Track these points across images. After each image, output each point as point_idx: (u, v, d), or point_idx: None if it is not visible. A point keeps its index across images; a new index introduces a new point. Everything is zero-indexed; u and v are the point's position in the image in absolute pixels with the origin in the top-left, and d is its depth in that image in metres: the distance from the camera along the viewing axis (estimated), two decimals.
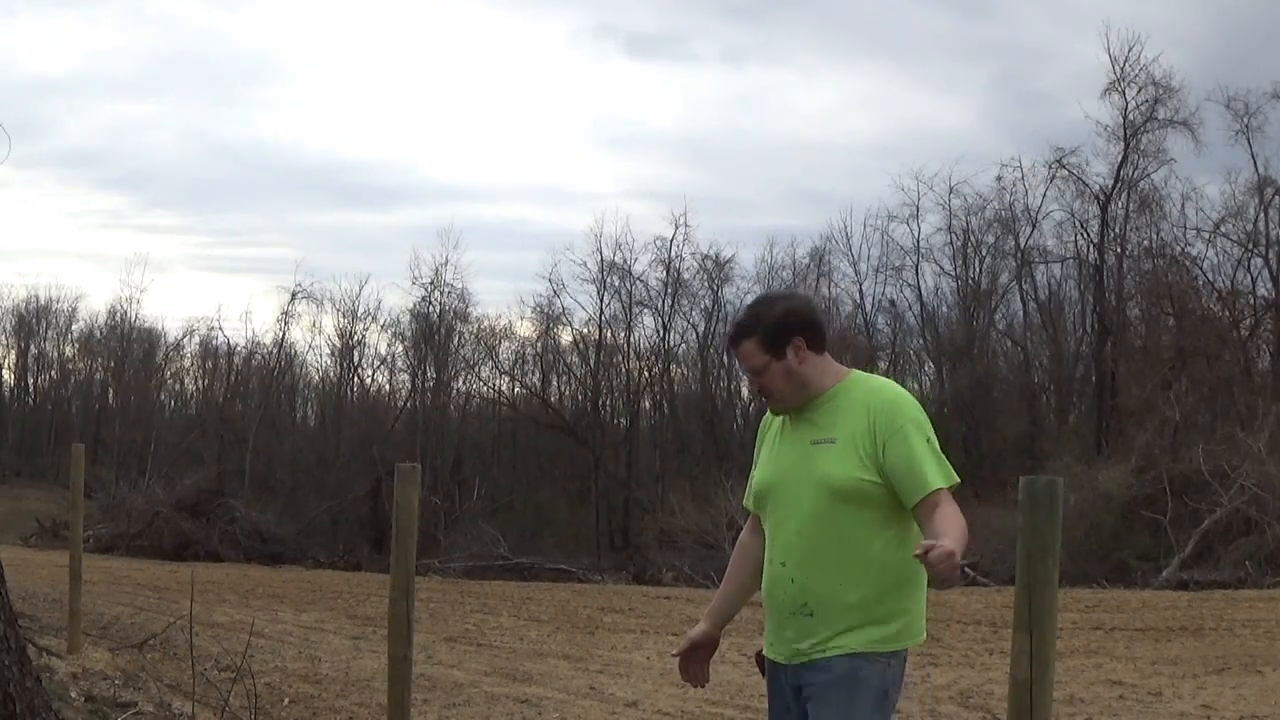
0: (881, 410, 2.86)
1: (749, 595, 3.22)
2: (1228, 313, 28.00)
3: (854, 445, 2.84)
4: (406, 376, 40.04)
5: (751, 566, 3.12)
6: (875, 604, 2.81)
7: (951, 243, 34.08)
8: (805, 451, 2.91)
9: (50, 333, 49.36)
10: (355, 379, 41.54)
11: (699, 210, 74.70)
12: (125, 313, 44.96)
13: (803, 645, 2.90)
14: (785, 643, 2.97)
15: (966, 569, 19.10)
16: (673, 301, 36.78)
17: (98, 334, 47.99)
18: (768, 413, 3.09)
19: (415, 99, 64.77)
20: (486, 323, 39.43)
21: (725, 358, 38.01)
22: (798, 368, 2.91)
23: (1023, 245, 32.09)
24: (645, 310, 37.12)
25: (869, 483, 2.80)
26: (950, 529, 2.68)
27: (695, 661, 3.28)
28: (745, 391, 39.35)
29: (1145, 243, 29.73)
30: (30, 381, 50.51)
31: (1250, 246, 28.36)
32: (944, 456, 2.88)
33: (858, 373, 3.00)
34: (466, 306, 38.54)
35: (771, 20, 59.43)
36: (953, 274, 34.29)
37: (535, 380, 39.71)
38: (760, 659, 3.13)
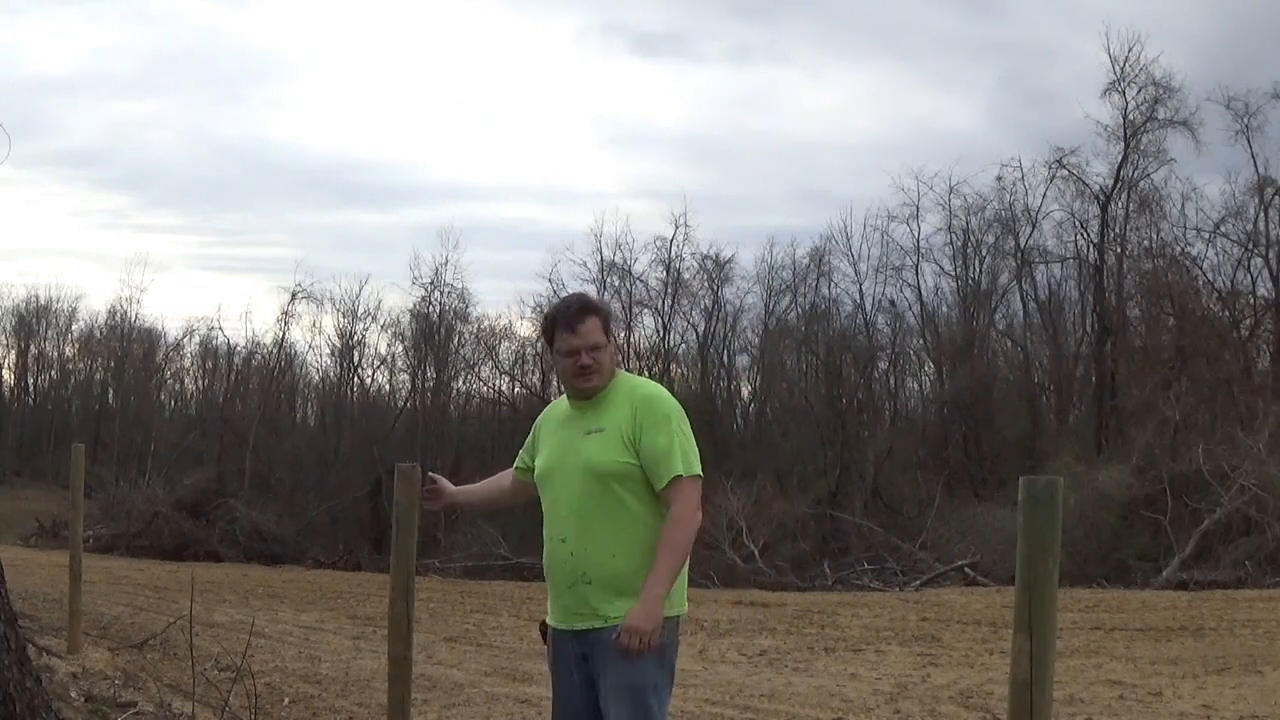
0: (642, 403, 3.26)
1: (480, 503, 4.02)
2: (1228, 313, 27.98)
3: (618, 434, 3.23)
4: (406, 376, 40.04)
5: (495, 493, 3.86)
6: (647, 572, 3.15)
7: (951, 243, 34.04)
8: (579, 440, 3.29)
9: (50, 333, 49.44)
10: (355, 379, 41.52)
11: (700, 210, 74.98)
12: (125, 313, 44.99)
13: (583, 612, 3.22)
14: (566, 611, 3.26)
15: (967, 569, 19.11)
16: (673, 301, 36.74)
17: (98, 334, 48.05)
18: (549, 407, 3.57)
19: (418, 98, 64.88)
20: (486, 323, 39.43)
21: (725, 357, 38.08)
22: (613, 356, 3.36)
23: (1023, 245, 32.06)
24: (645, 310, 37.12)
25: (630, 465, 3.21)
26: (662, 550, 3.14)
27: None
28: (745, 391, 39.42)
29: (1145, 243, 29.71)
30: (30, 381, 50.56)
31: (1250, 246, 28.34)
32: (694, 447, 3.31)
33: (624, 373, 3.41)
34: (466, 306, 38.54)
35: (779, 19, 59.46)
36: (953, 274, 34.26)
37: (535, 380, 39.68)
38: (544, 628, 3.39)
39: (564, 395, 3.50)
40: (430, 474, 3.80)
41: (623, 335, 37.51)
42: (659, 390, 3.36)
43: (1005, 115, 52.34)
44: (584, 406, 3.35)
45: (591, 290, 36.88)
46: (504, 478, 3.80)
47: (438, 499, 3.80)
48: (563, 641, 3.30)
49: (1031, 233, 31.96)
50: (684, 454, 3.26)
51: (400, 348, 40.27)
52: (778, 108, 58.68)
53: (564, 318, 3.32)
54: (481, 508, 3.71)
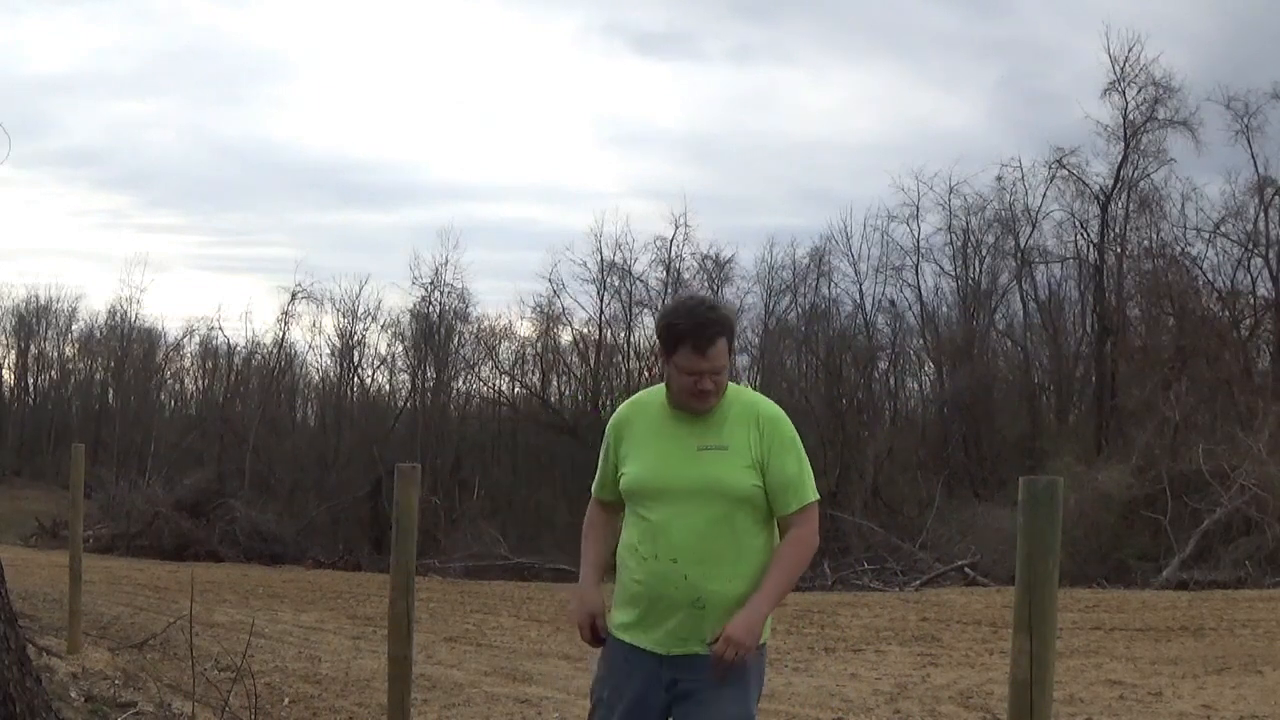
0: (768, 425, 3.09)
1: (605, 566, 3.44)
2: (1228, 313, 27.98)
3: (742, 455, 3.05)
4: (406, 376, 40.05)
5: (608, 543, 3.39)
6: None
7: (951, 243, 34.03)
8: (693, 455, 3.07)
9: (50, 333, 49.46)
10: (355, 379, 41.53)
11: (701, 210, 74.91)
12: (125, 312, 45.00)
13: (688, 637, 3.04)
14: (668, 634, 3.05)
15: (967, 569, 19.13)
16: None
17: (98, 334, 48.07)
18: (615, 417, 3.26)
19: (418, 98, 64.86)
20: (486, 323, 39.44)
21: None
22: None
23: (1023, 245, 32.06)
24: (645, 310, 37.11)
25: (758, 488, 3.04)
26: (779, 570, 3.04)
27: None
28: None
29: (1145, 243, 29.71)
30: (30, 381, 50.57)
31: (1250, 246, 28.34)
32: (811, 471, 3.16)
33: (734, 385, 3.17)
34: (466, 306, 38.55)
35: (780, 19, 59.49)
36: (953, 274, 34.26)
37: (535, 380, 39.70)
38: (600, 639, 3.21)
39: (646, 395, 3.28)
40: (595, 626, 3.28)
41: (623, 335, 37.58)
42: (779, 410, 3.18)
43: (1006, 115, 52.37)
44: (686, 417, 3.12)
45: (591, 290, 36.92)
46: (603, 529, 3.42)
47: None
48: (645, 663, 3.09)
49: (1031, 233, 31.99)
50: (811, 479, 3.14)
51: (400, 348, 40.32)
52: (778, 107, 58.74)
53: (696, 337, 3.02)
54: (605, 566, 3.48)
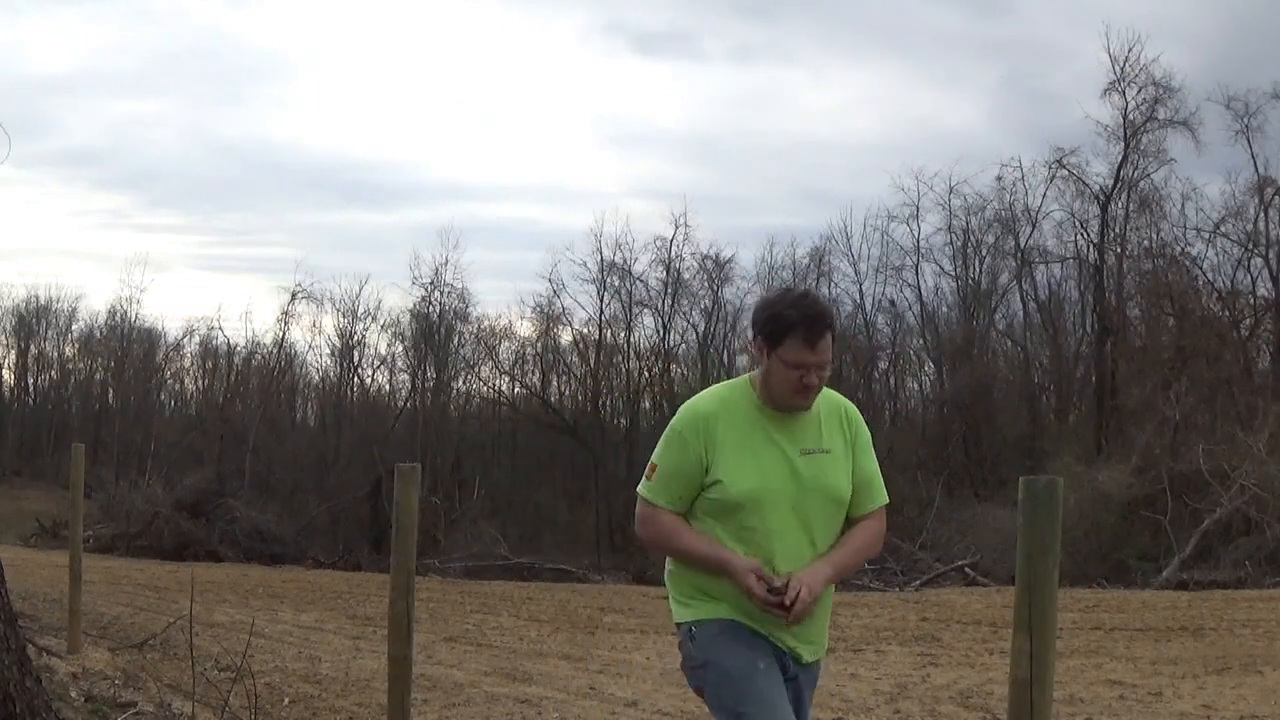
0: (854, 422, 3.03)
1: None
2: (1228, 313, 27.99)
3: (842, 456, 2.98)
4: (406, 376, 40.10)
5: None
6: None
7: (951, 243, 34.05)
8: (795, 459, 2.92)
9: (50, 333, 49.48)
10: (355, 379, 41.58)
11: (701, 209, 74.89)
12: (125, 313, 45.04)
13: (806, 644, 2.98)
14: (785, 644, 2.96)
15: (967, 569, 19.13)
16: (673, 301, 36.80)
17: (98, 334, 48.10)
18: (696, 412, 2.98)
19: (419, 98, 64.89)
20: (486, 323, 39.49)
21: (725, 357, 38.05)
22: None
23: (1023, 245, 32.09)
24: (645, 310, 37.14)
25: (850, 490, 3.00)
26: (852, 549, 2.98)
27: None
28: None
29: (1145, 243, 29.73)
30: (30, 381, 50.58)
31: (1250, 246, 28.35)
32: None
33: None
34: (466, 306, 38.59)
35: (781, 18, 59.51)
36: (953, 274, 34.30)
37: (535, 380, 39.72)
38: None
39: (726, 391, 3.06)
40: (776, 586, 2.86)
41: (623, 335, 37.59)
42: (854, 406, 3.10)
43: (1007, 115, 52.41)
44: (780, 416, 2.95)
45: (591, 290, 36.92)
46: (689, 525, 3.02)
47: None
48: (773, 649, 2.94)
49: (1031, 233, 32.02)
50: (879, 476, 3.08)
51: (400, 348, 40.37)
52: (779, 107, 58.77)
53: (807, 328, 2.85)
54: None
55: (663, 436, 3.02)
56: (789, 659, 2.96)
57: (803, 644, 2.97)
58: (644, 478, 3.01)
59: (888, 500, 3.07)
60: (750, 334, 3.03)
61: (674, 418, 3.04)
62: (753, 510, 2.88)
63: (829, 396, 3.02)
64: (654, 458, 3.01)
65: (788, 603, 2.77)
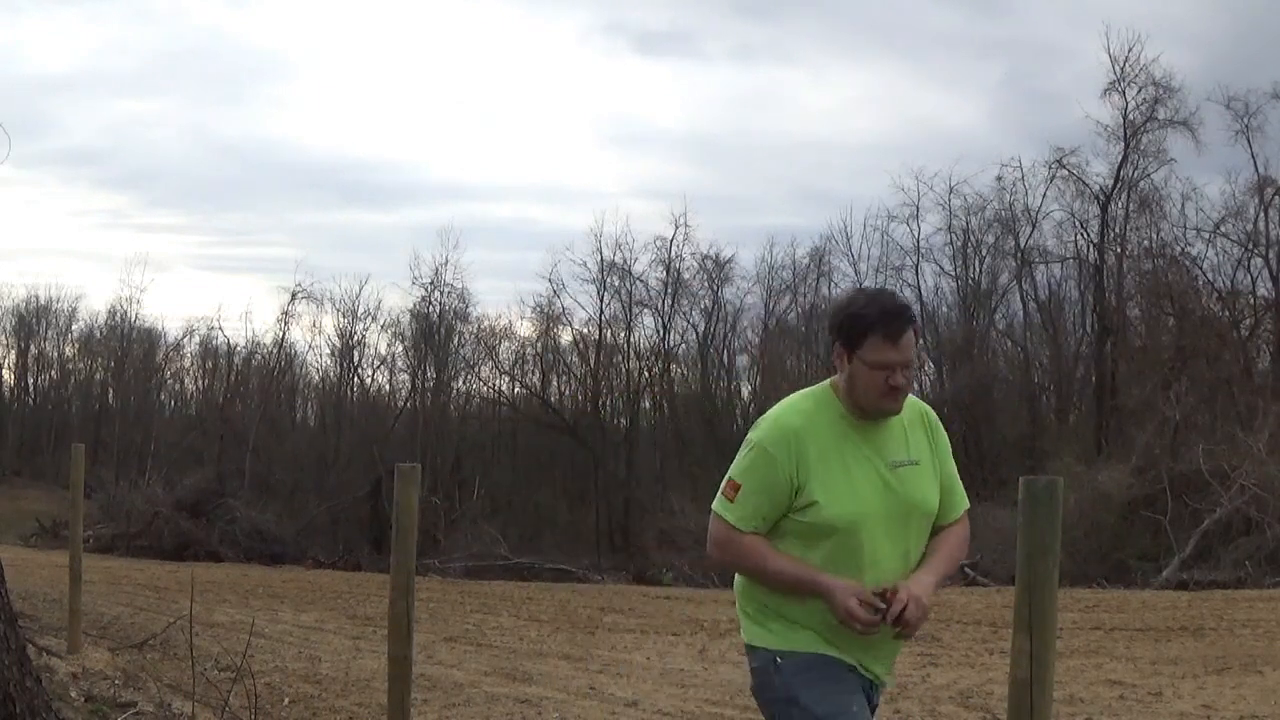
0: (936, 427, 2.88)
1: None
2: (1228, 313, 28.00)
3: (930, 465, 2.83)
4: (406, 376, 40.13)
5: None
6: None
7: (951, 243, 34.07)
8: (886, 475, 2.75)
9: (50, 333, 49.48)
10: (355, 379, 41.60)
11: (700, 210, 74.96)
12: (125, 313, 45.05)
13: (891, 669, 2.89)
14: (874, 672, 2.83)
15: (967, 569, 19.12)
16: (673, 301, 36.84)
17: (98, 334, 48.11)
18: (784, 427, 2.75)
19: (419, 98, 64.88)
20: (486, 323, 39.53)
21: (725, 357, 38.08)
22: None
23: (1023, 245, 32.11)
24: (645, 310, 37.18)
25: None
26: (947, 556, 2.83)
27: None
28: (745, 391, 39.41)
29: (1145, 243, 29.77)
30: (30, 381, 50.58)
31: (1250, 246, 28.37)
32: None
33: None
34: (466, 306, 38.63)
35: (782, 18, 59.52)
36: (953, 274, 34.34)
37: (535, 380, 39.74)
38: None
39: (806, 402, 2.82)
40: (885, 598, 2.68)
41: (623, 335, 37.59)
42: (931, 410, 2.94)
43: (1007, 115, 52.43)
44: (866, 426, 2.77)
45: (591, 290, 36.93)
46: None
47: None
48: (861, 683, 2.81)
49: (1031, 233, 32.06)
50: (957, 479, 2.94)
51: (400, 348, 40.40)
52: (780, 107, 58.79)
53: (886, 325, 2.69)
54: None
55: (743, 452, 2.79)
56: (873, 689, 2.86)
57: (886, 669, 2.86)
58: (720, 495, 2.79)
59: (966, 505, 2.94)
60: (831, 341, 2.84)
61: (755, 431, 2.80)
62: (848, 532, 2.70)
63: (908, 402, 2.83)
64: (734, 475, 2.77)
65: (890, 619, 2.62)
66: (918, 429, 2.84)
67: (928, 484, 2.80)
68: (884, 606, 2.63)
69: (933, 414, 2.91)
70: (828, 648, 2.74)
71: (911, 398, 2.84)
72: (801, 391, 2.88)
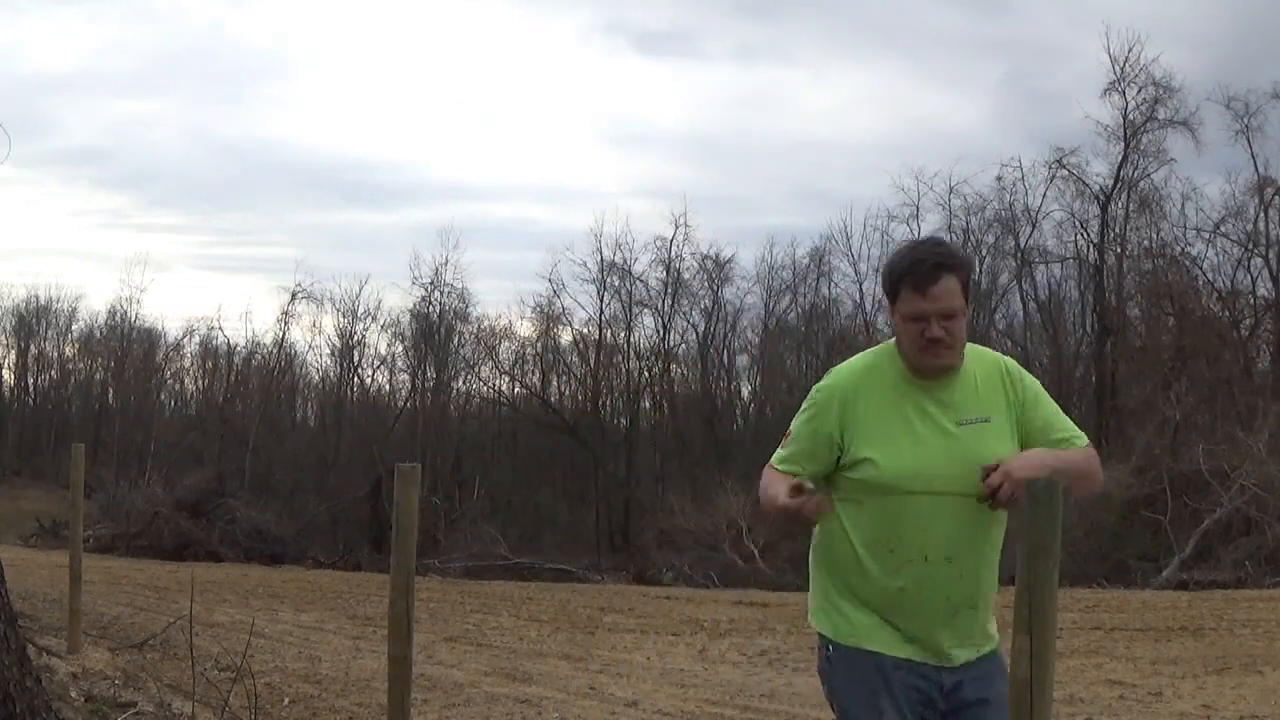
0: (1017, 380, 2.69)
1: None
2: (1228, 313, 28.01)
3: (1006, 423, 2.65)
4: (406, 376, 40.15)
5: None
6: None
7: (952, 242, 34.08)
8: (953, 434, 2.62)
9: (50, 333, 49.46)
10: (355, 379, 41.62)
11: (701, 209, 74.90)
12: (125, 313, 45.04)
13: (972, 640, 2.71)
14: (938, 645, 2.68)
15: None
16: (673, 301, 36.84)
17: (98, 334, 48.09)
18: (833, 384, 2.72)
19: (419, 98, 64.86)
20: (486, 323, 39.55)
21: (725, 357, 38.06)
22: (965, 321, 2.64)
23: (1023, 245, 32.11)
24: (645, 310, 37.18)
25: None
26: (1069, 453, 2.64)
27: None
28: (745, 391, 39.41)
29: (1145, 243, 29.78)
30: (30, 381, 50.57)
31: (1250, 246, 28.39)
32: None
33: (969, 344, 2.73)
34: (466, 306, 38.64)
35: (783, 18, 59.49)
36: None
37: (535, 380, 39.75)
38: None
39: (872, 359, 2.76)
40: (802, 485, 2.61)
41: (623, 335, 37.60)
42: (1014, 362, 2.77)
43: (1007, 115, 52.40)
44: (930, 384, 2.65)
45: (591, 290, 36.93)
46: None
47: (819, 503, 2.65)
48: (909, 678, 2.67)
49: (1031, 233, 32.06)
50: (1070, 421, 2.70)
51: (400, 348, 40.42)
52: (780, 107, 58.76)
53: (914, 273, 2.58)
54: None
55: (804, 403, 2.78)
56: (941, 674, 2.68)
57: (956, 640, 2.68)
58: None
59: (1086, 438, 2.67)
60: None
61: (817, 384, 2.79)
62: (907, 492, 2.60)
63: (983, 356, 2.71)
64: (791, 424, 2.78)
65: (988, 493, 2.53)
66: (993, 385, 2.67)
67: (998, 442, 2.61)
68: (811, 489, 2.56)
69: (1014, 366, 2.73)
70: (882, 633, 2.67)
71: (990, 353, 2.74)
72: (869, 350, 2.82)
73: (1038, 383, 2.73)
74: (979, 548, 2.67)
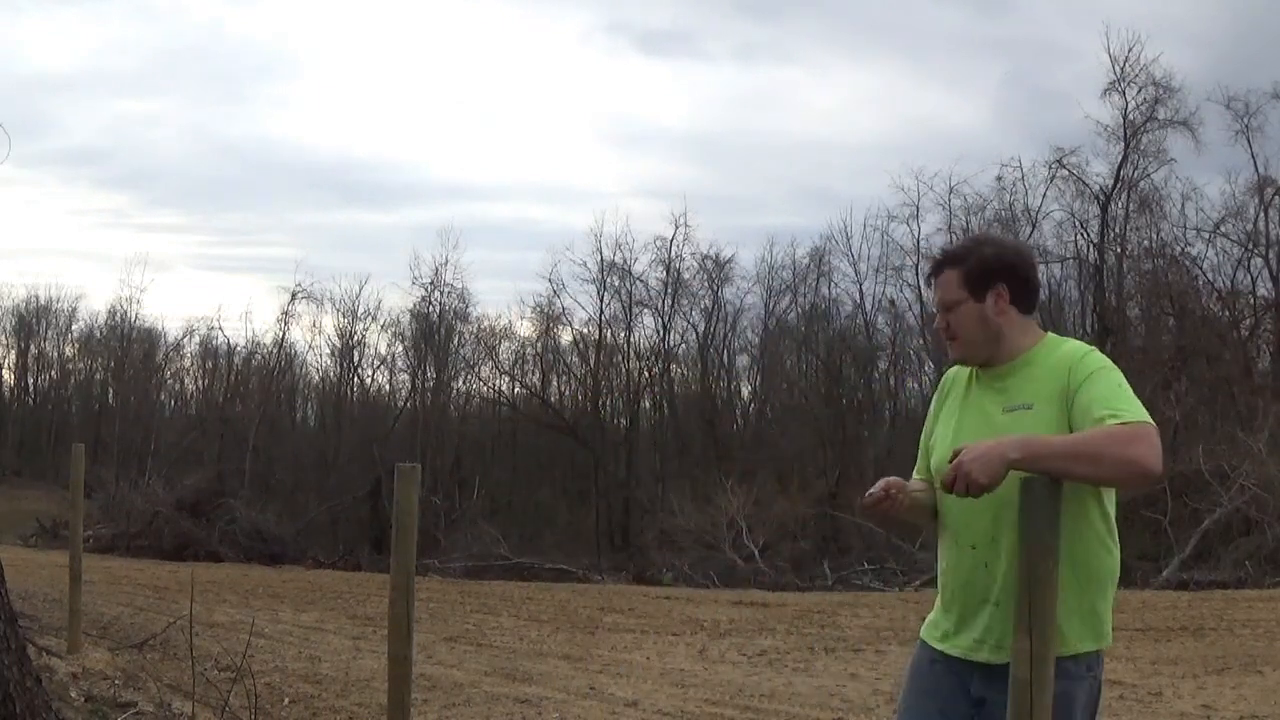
0: (1077, 362, 2.57)
1: (911, 514, 2.78)
2: (1228, 313, 28.01)
3: (1052, 409, 2.53)
4: (406, 376, 40.13)
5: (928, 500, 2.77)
6: (1062, 601, 2.44)
7: (951, 243, 34.07)
8: (995, 421, 2.60)
9: (50, 333, 49.44)
10: (355, 379, 41.61)
11: (701, 209, 74.87)
12: (125, 312, 44.99)
13: (988, 641, 2.57)
14: (968, 638, 2.63)
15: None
16: (673, 301, 36.82)
17: (98, 334, 48.06)
18: (949, 370, 2.83)
19: (420, 98, 64.80)
20: (486, 323, 39.53)
21: (725, 357, 38.05)
22: (994, 317, 2.64)
23: None
24: (645, 310, 37.17)
25: None
26: (1086, 434, 2.42)
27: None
28: (745, 391, 39.40)
29: (1145, 243, 29.77)
30: (30, 381, 50.55)
31: (1250, 246, 28.39)
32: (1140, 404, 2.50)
33: (1054, 335, 2.70)
34: (466, 306, 38.63)
35: (785, 17, 59.46)
36: None
37: (535, 380, 39.74)
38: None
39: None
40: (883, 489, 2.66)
41: (623, 335, 37.60)
42: (1092, 348, 2.63)
43: (1008, 115, 52.36)
44: (992, 375, 2.67)
45: (591, 290, 36.93)
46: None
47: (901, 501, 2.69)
48: (949, 673, 2.65)
49: (1031, 233, 31.99)
50: (1130, 401, 2.46)
51: (400, 348, 40.41)
52: (781, 107, 58.73)
53: (928, 273, 2.77)
54: (923, 515, 2.78)
55: None
56: (966, 678, 2.62)
57: (979, 641, 2.59)
58: None
59: (1133, 418, 2.40)
60: None
61: None
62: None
63: (1062, 345, 2.65)
64: None
65: (945, 482, 2.46)
66: (1056, 371, 2.57)
67: (1035, 428, 2.51)
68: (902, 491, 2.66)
69: (1087, 353, 2.59)
70: (935, 625, 2.72)
71: (1073, 342, 2.67)
72: None
73: (1106, 366, 2.57)
74: (1005, 541, 2.52)
